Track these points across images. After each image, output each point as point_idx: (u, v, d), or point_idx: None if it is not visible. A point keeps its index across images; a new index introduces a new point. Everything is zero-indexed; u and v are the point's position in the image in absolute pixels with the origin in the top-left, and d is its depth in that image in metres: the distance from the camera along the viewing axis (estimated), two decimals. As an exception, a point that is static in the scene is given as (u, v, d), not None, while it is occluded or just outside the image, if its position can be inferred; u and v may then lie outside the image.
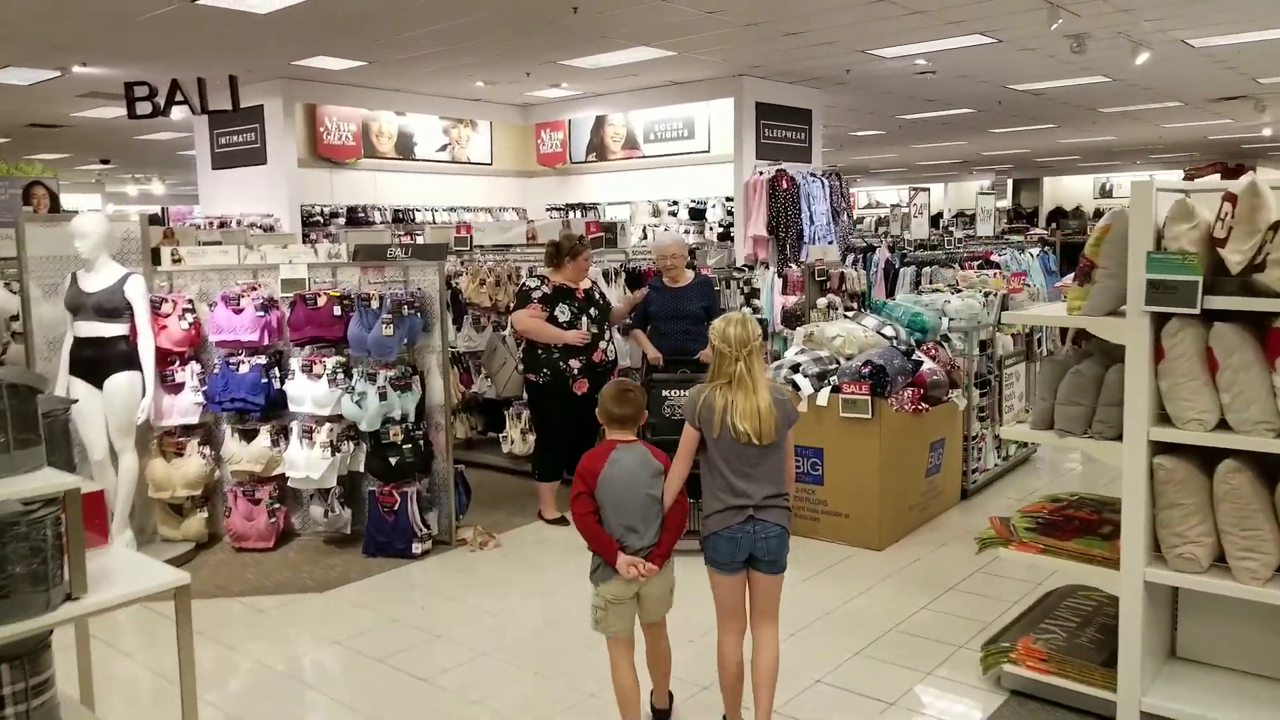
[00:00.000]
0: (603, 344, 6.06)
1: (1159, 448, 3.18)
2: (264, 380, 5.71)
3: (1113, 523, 3.55)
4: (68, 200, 25.98)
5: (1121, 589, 3.31)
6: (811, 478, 5.73)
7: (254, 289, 5.85)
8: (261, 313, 5.71)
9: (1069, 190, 32.65)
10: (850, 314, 6.28)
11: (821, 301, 9.30)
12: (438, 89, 12.49)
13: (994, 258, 11.49)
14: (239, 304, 5.73)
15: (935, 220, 26.47)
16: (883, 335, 5.98)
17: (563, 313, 5.96)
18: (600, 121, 13.64)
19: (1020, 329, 7.24)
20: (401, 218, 12.88)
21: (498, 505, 6.70)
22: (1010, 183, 32.00)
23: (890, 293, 10.68)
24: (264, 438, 5.78)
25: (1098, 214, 29.28)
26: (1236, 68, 11.97)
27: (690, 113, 12.74)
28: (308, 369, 5.64)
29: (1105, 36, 9.76)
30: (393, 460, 5.59)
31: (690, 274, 6.45)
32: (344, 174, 12.66)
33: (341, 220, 12.30)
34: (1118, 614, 3.34)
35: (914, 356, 5.71)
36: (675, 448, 3.33)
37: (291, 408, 5.72)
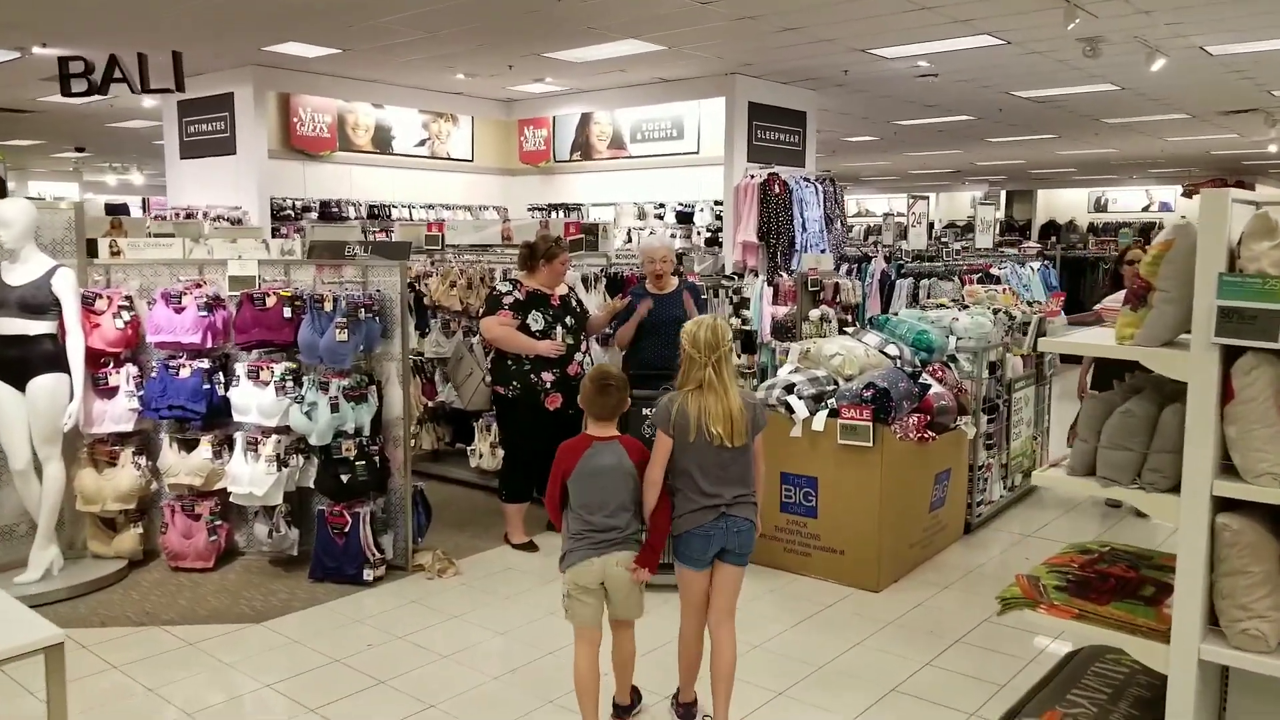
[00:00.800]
0: (579, 356, 5.57)
1: (1223, 504, 2.70)
2: (206, 386, 5.19)
3: (1155, 582, 3.07)
4: (43, 188, 25.43)
5: (1171, 667, 2.82)
6: (804, 509, 5.24)
7: (199, 286, 5.33)
8: (205, 313, 5.18)
9: (1062, 203, 32.30)
10: (850, 330, 5.81)
11: (814, 313, 8.82)
12: (417, 81, 11.97)
13: (994, 271, 11.11)
14: (180, 302, 5.21)
15: (928, 230, 26.16)
16: (885, 354, 5.50)
17: (535, 321, 5.49)
18: (585, 119, 13.14)
19: (1030, 350, 6.77)
20: (377, 214, 12.35)
21: (462, 525, 6.19)
22: (1003, 194, 31.64)
23: (886, 306, 10.23)
24: (205, 449, 5.26)
25: (1092, 229, 29.02)
26: (1254, 78, 11.56)
27: (679, 112, 12.25)
28: (254, 375, 5.12)
29: (1121, 40, 9.32)
30: (344, 478, 5.08)
31: (676, 281, 5.98)
32: (318, 167, 12.12)
33: (314, 215, 11.75)
34: (1154, 685, 2.87)
35: (920, 379, 5.23)
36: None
37: (236, 417, 5.20)
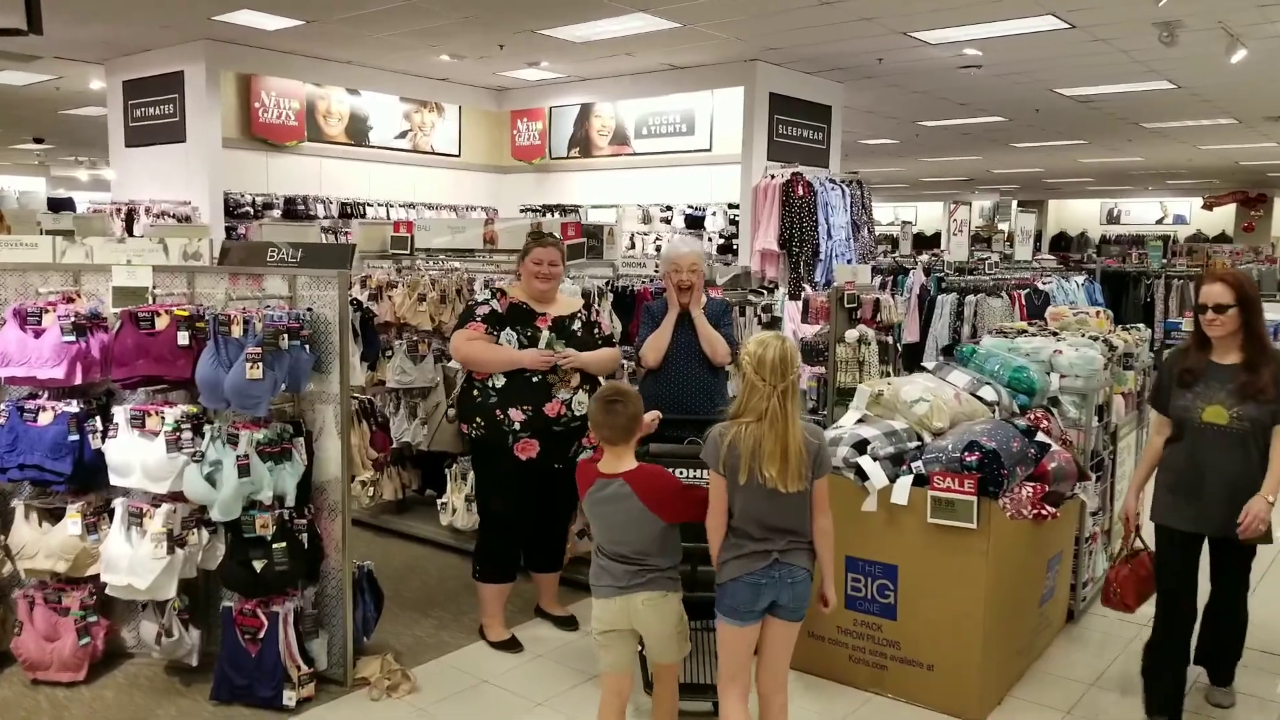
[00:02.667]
0: (564, 394, 4.23)
1: None
2: (74, 437, 3.86)
3: None
4: (6, 183, 23.96)
5: None
6: (878, 607, 3.91)
7: (69, 301, 3.99)
8: (73, 337, 3.84)
9: (1074, 215, 31.18)
10: (929, 367, 4.48)
11: (850, 334, 7.53)
12: (397, 64, 10.65)
13: (1042, 286, 9.84)
14: (40, 322, 3.87)
15: (934, 240, 24.95)
16: (980, 400, 4.18)
17: (509, 340, 4.21)
18: (585, 111, 11.83)
19: (1133, 387, 5.46)
20: (350, 212, 11.02)
21: (427, 607, 4.87)
22: (1015, 204, 30.39)
23: (926, 325, 8.95)
24: (73, 522, 3.91)
25: (1104, 240, 27.83)
26: (1332, 75, 10.36)
27: (690, 104, 10.96)
28: (138, 423, 3.78)
29: (1202, 27, 8.07)
30: (258, 565, 3.74)
31: (704, 298, 4.69)
32: (283, 158, 10.80)
33: (276, 212, 10.44)
34: None
35: (1036, 437, 3.91)
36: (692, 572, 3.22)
37: (114, 479, 3.85)
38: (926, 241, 24.03)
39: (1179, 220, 29.11)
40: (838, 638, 4.04)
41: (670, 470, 3.38)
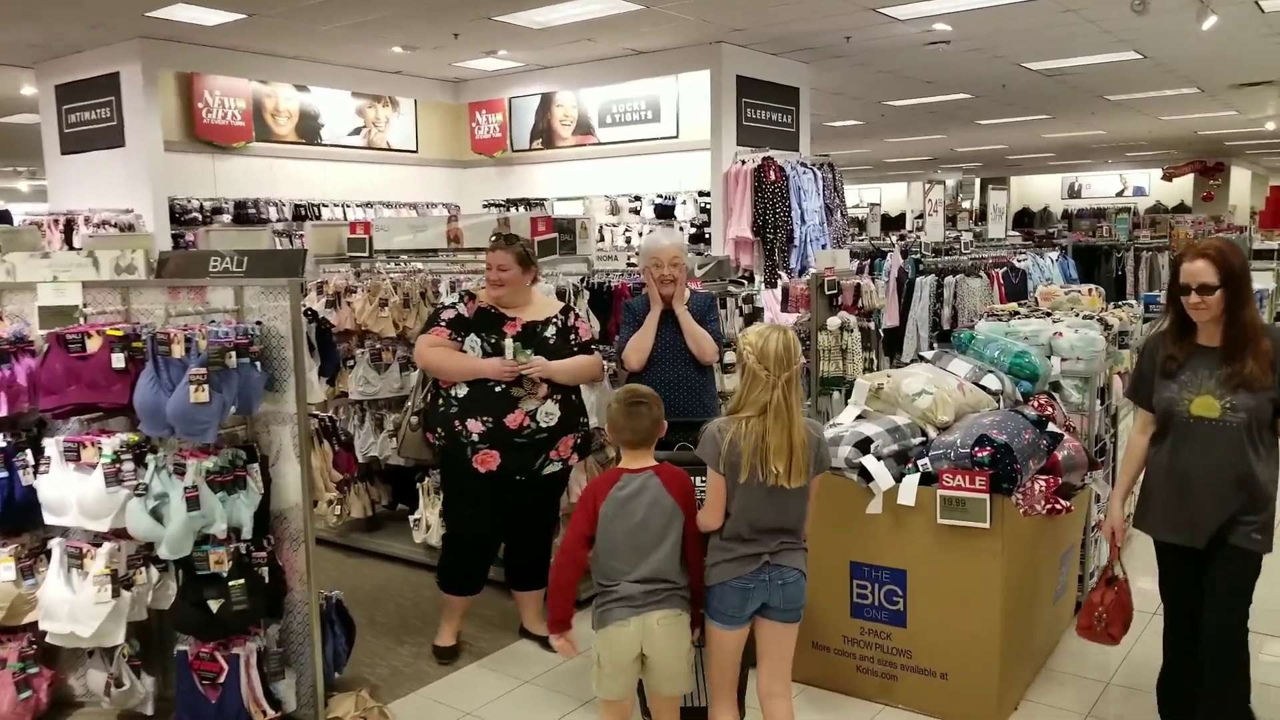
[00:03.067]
0: (530, 405, 3.96)
1: None
2: (2, 474, 3.50)
3: None
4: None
5: None
6: (886, 614, 3.66)
7: (-9, 323, 3.64)
8: (-4, 363, 3.49)
9: (1036, 190, 31.19)
10: (927, 356, 4.22)
11: (832, 321, 7.29)
12: (347, 57, 10.27)
13: (1018, 263, 9.68)
14: (-42, 348, 3.51)
15: (899, 221, 24.82)
16: (984, 389, 3.94)
17: (473, 347, 3.97)
18: (546, 101, 11.49)
19: (1129, 366, 5.25)
20: (305, 214, 10.60)
21: (403, 633, 4.56)
22: (978, 182, 30.36)
23: (905, 309, 8.73)
24: (5, 566, 3.56)
25: (1066, 215, 27.87)
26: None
27: (655, 91, 10.64)
28: (73, 455, 3.43)
29: (1176, -9, 7.89)
30: (214, 605, 3.41)
31: (688, 294, 4.40)
32: (231, 160, 10.36)
33: (226, 217, 10.00)
34: None
35: (1048, 427, 3.67)
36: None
37: (48, 518, 3.50)
38: (891, 223, 23.91)
39: (1139, 192, 29.23)
40: (844, 648, 3.79)
41: None
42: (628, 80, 10.60)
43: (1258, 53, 10.91)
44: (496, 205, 11.68)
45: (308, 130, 11.04)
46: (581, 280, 4.86)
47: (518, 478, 4.02)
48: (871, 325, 7.61)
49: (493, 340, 3.97)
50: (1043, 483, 3.53)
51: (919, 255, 9.18)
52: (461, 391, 3.94)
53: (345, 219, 10.46)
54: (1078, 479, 3.82)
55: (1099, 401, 4.59)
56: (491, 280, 4.03)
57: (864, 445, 3.58)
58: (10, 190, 24.12)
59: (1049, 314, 5.17)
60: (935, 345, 4.65)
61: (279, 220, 10.34)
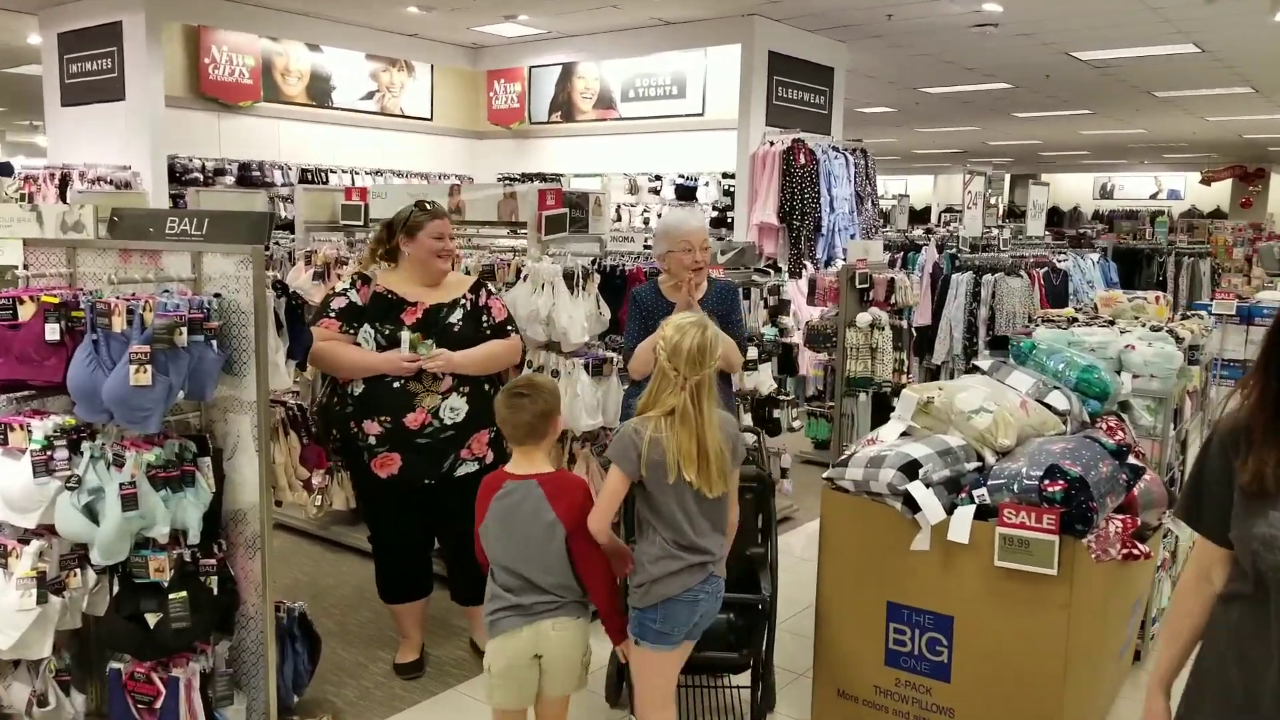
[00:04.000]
0: (431, 402, 3.54)
1: None
2: (-84, 457, 3.04)
3: None
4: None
5: None
6: (928, 665, 3.17)
7: (-87, 283, 3.17)
8: (-86, 329, 3.02)
9: (1067, 189, 30.47)
10: (983, 366, 3.70)
11: (862, 317, 6.80)
12: (362, 16, 9.76)
13: (1060, 264, 9.14)
14: (-128, 311, 3.04)
15: (924, 214, 24.20)
16: (1049, 407, 3.43)
17: (367, 339, 3.55)
18: (567, 72, 10.97)
19: (1198, 384, 4.74)
20: (311, 179, 10.14)
21: (378, 646, 4.11)
22: (1008, 178, 29.67)
23: (939, 307, 8.19)
24: (-82, 561, 3.10)
25: (1098, 216, 27.17)
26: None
27: (681, 65, 10.12)
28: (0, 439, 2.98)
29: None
30: (152, 619, 2.96)
31: (708, 285, 3.89)
32: (237, 120, 9.91)
33: (229, 179, 9.57)
34: None
35: (1127, 458, 3.16)
36: None
37: (-32, 510, 3.04)
38: (917, 216, 23.31)
39: (1173, 195, 28.51)
40: (875, 699, 3.30)
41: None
42: (653, 52, 10.08)
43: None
44: (511, 179, 11.18)
45: (319, 92, 10.57)
46: (592, 262, 4.37)
47: (426, 482, 3.60)
48: (904, 324, 7.11)
49: (388, 331, 3.54)
50: (1118, 523, 3.02)
51: (954, 250, 8.63)
52: (358, 389, 3.54)
53: (351, 184, 10.00)
54: (1154, 518, 3.32)
55: (1171, 425, 4.08)
56: (441, 254, 3.61)
57: (911, 469, 3.08)
58: (28, 145, 23.72)
59: (1111, 322, 4.66)
60: (988, 353, 4.13)
61: (284, 184, 9.88)
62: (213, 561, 3.08)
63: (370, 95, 11.03)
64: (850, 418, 6.99)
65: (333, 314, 3.57)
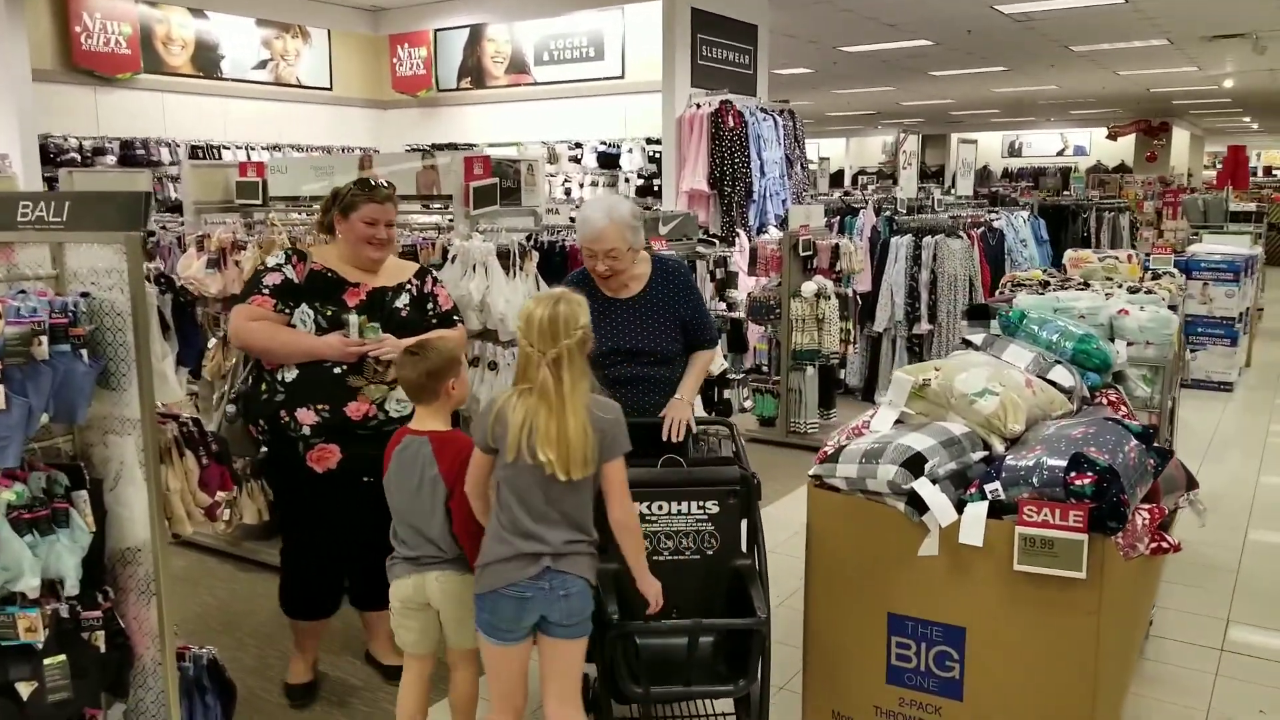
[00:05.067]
0: (376, 393, 3.19)
1: None
2: None
3: None
4: None
5: None
6: (937, 682, 2.82)
7: None
8: None
9: (981, 148, 30.72)
10: (975, 341, 3.34)
11: (807, 287, 6.48)
12: (250, -22, 9.01)
13: (997, 224, 8.96)
14: None
15: (838, 177, 24.10)
16: (1055, 385, 3.09)
17: (304, 320, 3.15)
18: (476, 35, 10.35)
19: (1176, 348, 4.48)
20: (202, 156, 9.37)
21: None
22: (919, 139, 29.79)
23: (879, 272, 7.91)
24: None
25: (1007, 174, 27.47)
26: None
27: (597, 25, 9.60)
28: None
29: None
30: (24, 690, 2.44)
31: (644, 270, 3.37)
32: (115, 94, 9.09)
33: (111, 158, 8.77)
34: None
35: (1153, 440, 2.83)
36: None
37: None
38: (832, 180, 23.21)
39: (1079, 151, 29.01)
40: (876, 721, 2.94)
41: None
42: (567, 11, 9.54)
43: (1235, 4, 10.30)
44: (420, 150, 10.53)
45: (205, 62, 9.77)
46: (529, 239, 3.88)
47: (365, 479, 3.17)
48: (849, 292, 6.79)
49: (329, 312, 3.15)
50: (1145, 514, 2.70)
51: (891, 213, 8.35)
52: (290, 375, 3.14)
53: (242, 159, 9.27)
54: (1173, 503, 3.01)
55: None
56: (377, 241, 3.21)
57: (915, 464, 2.70)
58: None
59: (1086, 284, 4.37)
60: (968, 324, 3.78)
61: (172, 163, 9.10)
62: (97, 614, 2.56)
63: (263, 64, 10.26)
64: (798, 393, 6.66)
65: (266, 291, 3.14)
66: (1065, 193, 16.45)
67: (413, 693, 2.87)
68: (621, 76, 9.54)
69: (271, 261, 3.25)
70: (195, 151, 9.38)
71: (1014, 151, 30.16)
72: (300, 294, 3.16)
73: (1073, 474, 2.57)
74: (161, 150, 9.15)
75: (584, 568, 2.53)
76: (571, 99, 9.92)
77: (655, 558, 2.73)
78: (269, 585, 4.44)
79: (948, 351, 7.81)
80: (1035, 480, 2.62)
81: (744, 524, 2.86)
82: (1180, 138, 27.52)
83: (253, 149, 9.80)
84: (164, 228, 4.88)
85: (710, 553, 2.78)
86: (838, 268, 6.58)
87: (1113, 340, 3.59)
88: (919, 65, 15.14)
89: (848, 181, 22.71)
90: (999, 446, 2.85)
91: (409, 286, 3.30)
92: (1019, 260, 9.38)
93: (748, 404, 6.33)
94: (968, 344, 3.31)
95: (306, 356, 3.11)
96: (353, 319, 3.13)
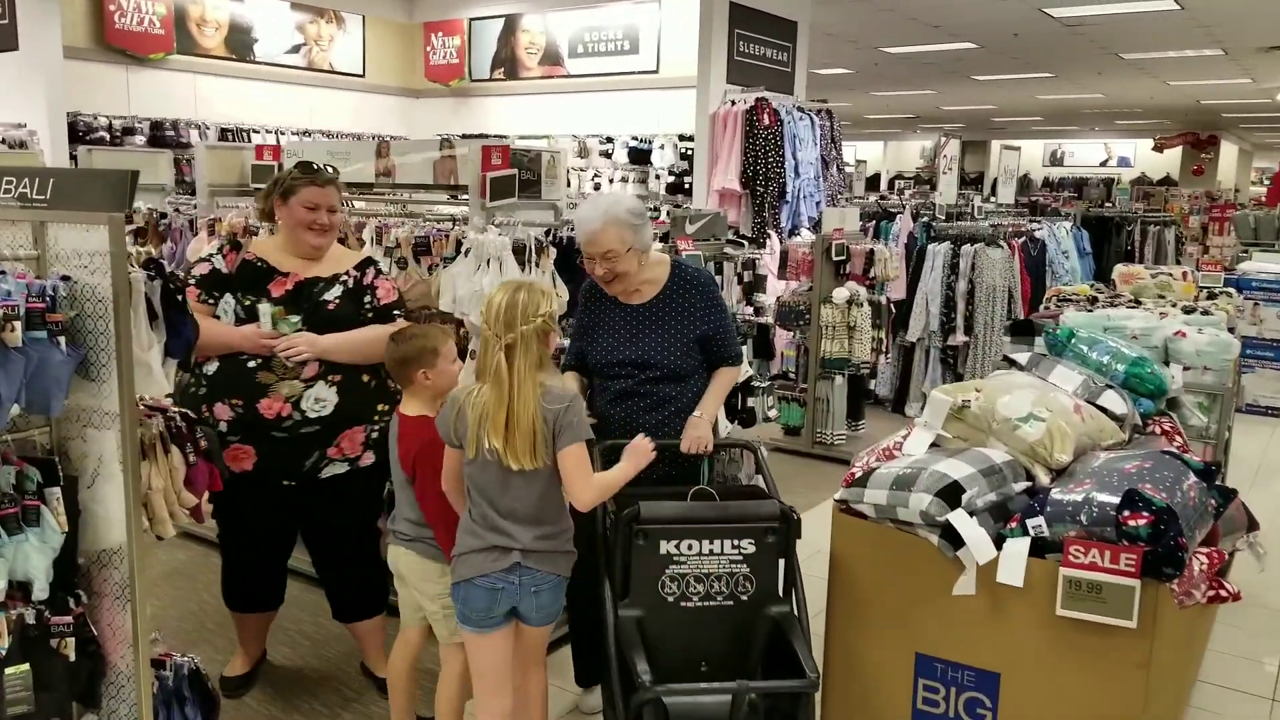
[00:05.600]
0: (290, 390, 3.01)
1: None
2: None
3: None
4: None
5: None
6: (965, 731, 2.60)
7: None
8: None
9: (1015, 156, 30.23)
10: (1019, 359, 3.11)
11: (839, 293, 6.25)
12: (284, -40, 8.90)
13: (1039, 234, 8.68)
14: None
15: (874, 181, 23.77)
16: (1104, 410, 2.86)
17: (226, 311, 3.04)
18: (511, 25, 10.18)
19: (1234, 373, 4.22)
20: (231, 139, 9.27)
21: (298, 696, 3.45)
22: (959, 144, 29.33)
23: (914, 280, 7.65)
24: None
25: (1048, 183, 26.98)
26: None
27: (633, 18, 9.41)
28: None
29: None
30: (-17, 700, 2.28)
31: (659, 275, 3.12)
32: (147, 74, 9.01)
33: (140, 139, 8.68)
34: None
35: (1214, 477, 2.60)
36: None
37: None
38: (869, 184, 22.88)
39: (1123, 162, 28.44)
40: (898, 768, 2.73)
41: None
42: (604, 3, 9.33)
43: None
44: (441, 139, 10.41)
45: (239, 45, 9.67)
46: (547, 233, 3.70)
47: (285, 482, 3.07)
48: (883, 299, 6.55)
49: (248, 303, 3.02)
50: (1203, 559, 2.47)
51: (929, 219, 8.09)
52: (211, 368, 3.04)
53: (275, 142, 9.15)
54: (1231, 545, 2.77)
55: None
56: (317, 226, 3.06)
57: (951, 494, 2.49)
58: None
59: (1137, 302, 4.12)
60: (1010, 341, 3.55)
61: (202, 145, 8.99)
62: (68, 619, 2.40)
63: (296, 49, 10.15)
64: (825, 402, 6.43)
65: (192, 281, 3.05)
66: (1107, 204, 16.07)
67: (400, 660, 2.92)
68: (656, 71, 9.35)
69: (206, 251, 3.17)
70: (225, 134, 9.30)
71: (1056, 160, 29.63)
72: (227, 284, 3.05)
73: (1126, 513, 2.34)
74: (191, 132, 9.07)
75: (556, 564, 2.52)
76: (604, 93, 9.74)
77: (683, 604, 2.48)
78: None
79: (984, 365, 7.56)
80: (1084, 517, 2.40)
81: (781, 565, 2.61)
82: (1228, 152, 26.90)
83: (283, 134, 9.71)
84: (177, 210, 4.74)
85: (744, 598, 2.50)
86: (871, 274, 6.34)
87: (1167, 364, 3.35)
88: (961, 69, 14.81)
89: (884, 186, 22.39)
90: (1043, 478, 2.62)
91: (345, 278, 3.13)
92: (1060, 273, 9.10)
93: (773, 413, 6.11)
94: (1011, 363, 3.08)
95: (224, 349, 2.99)
96: (264, 309, 3.00)
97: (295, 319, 3.01)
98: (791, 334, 6.60)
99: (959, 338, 7.43)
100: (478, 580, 2.47)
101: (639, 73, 9.48)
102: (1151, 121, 23.61)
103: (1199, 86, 16.45)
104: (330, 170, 3.18)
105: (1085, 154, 29.23)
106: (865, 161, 17.91)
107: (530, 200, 3.81)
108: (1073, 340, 3.22)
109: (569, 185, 9.25)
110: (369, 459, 3.16)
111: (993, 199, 10.26)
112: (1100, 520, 2.37)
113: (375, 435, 3.17)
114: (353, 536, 3.32)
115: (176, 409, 2.76)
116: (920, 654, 2.64)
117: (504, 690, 2.57)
